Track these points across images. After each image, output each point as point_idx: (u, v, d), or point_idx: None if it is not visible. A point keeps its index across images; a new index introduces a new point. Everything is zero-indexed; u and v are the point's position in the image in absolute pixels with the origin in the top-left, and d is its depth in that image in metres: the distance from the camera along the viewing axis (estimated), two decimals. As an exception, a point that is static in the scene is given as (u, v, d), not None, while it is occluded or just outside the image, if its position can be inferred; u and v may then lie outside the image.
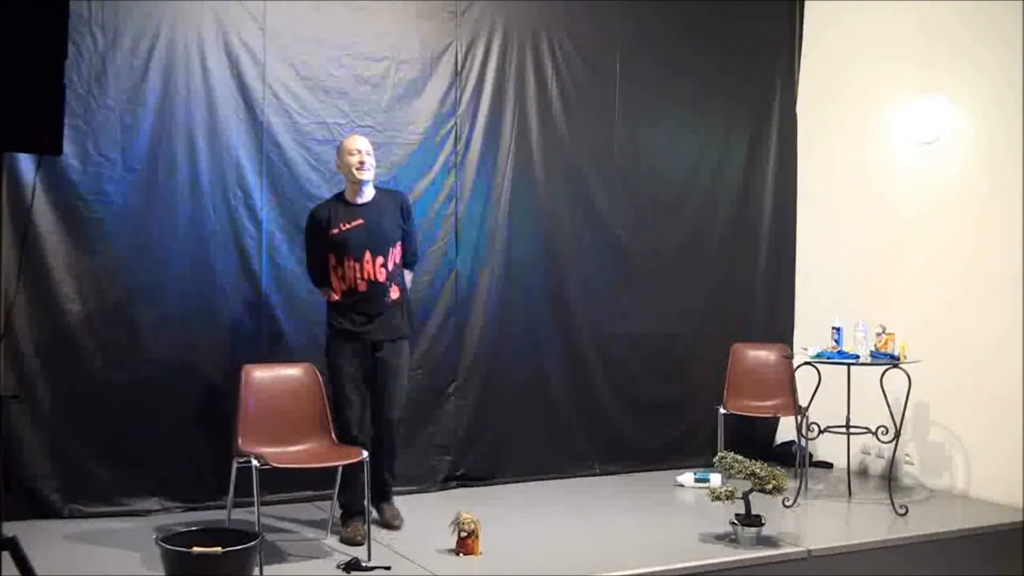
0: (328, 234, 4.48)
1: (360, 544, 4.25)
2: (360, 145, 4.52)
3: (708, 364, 6.09)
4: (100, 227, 4.68)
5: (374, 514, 4.49)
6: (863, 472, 6.03)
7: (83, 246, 4.65)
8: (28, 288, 4.51)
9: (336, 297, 4.52)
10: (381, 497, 4.64)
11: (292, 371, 4.56)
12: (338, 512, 4.52)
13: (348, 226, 4.47)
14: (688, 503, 5.39)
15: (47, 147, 2.92)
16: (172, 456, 4.80)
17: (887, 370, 5.16)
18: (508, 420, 5.66)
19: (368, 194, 4.56)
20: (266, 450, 4.13)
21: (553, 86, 5.83)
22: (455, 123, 5.52)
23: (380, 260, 4.50)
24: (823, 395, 5.25)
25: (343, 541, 4.36)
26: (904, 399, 5.18)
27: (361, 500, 4.29)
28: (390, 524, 4.59)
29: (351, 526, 4.41)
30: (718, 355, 6.01)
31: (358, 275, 4.48)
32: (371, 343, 4.51)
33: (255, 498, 4.01)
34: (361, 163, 4.48)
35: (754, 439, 6.20)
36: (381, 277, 4.51)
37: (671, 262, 6.24)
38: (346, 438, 4.42)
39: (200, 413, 4.83)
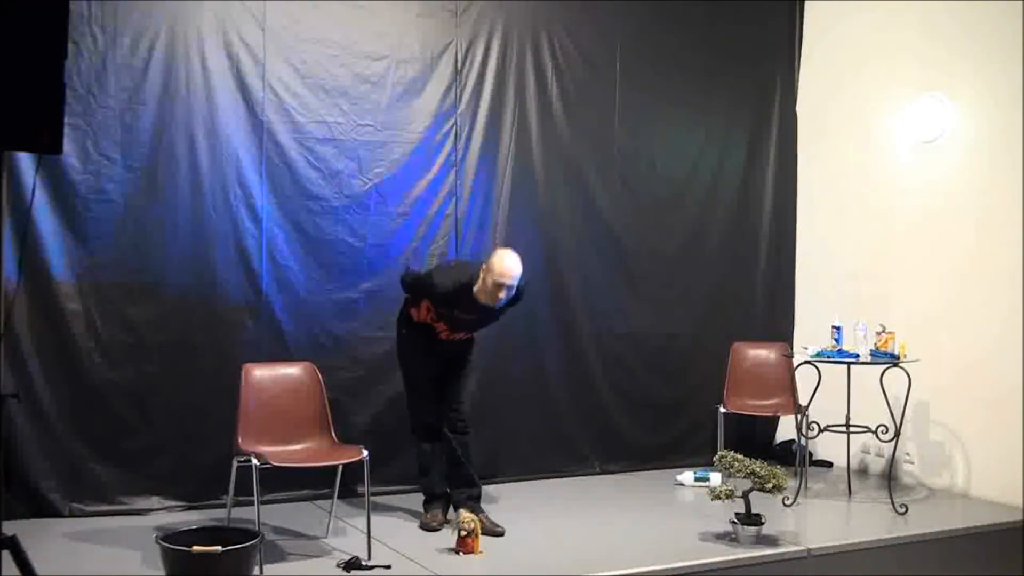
0: (438, 305, 4.43)
1: (435, 530, 4.50)
2: (515, 272, 4.29)
3: (708, 363, 6.09)
4: (100, 226, 4.68)
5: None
6: (863, 471, 6.03)
7: (83, 245, 4.65)
8: (28, 288, 4.51)
9: (416, 318, 4.56)
10: (474, 501, 4.64)
11: (292, 370, 4.56)
12: (341, 510, 4.57)
13: (458, 314, 4.46)
14: (688, 502, 5.39)
15: (47, 146, 2.92)
16: (172, 455, 4.81)
17: (887, 369, 5.16)
18: (508, 419, 5.66)
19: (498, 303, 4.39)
20: (266, 449, 4.14)
21: (553, 86, 5.83)
22: (455, 122, 5.52)
23: (472, 336, 4.70)
24: (823, 394, 5.25)
25: (421, 526, 4.58)
26: (904, 398, 5.18)
27: (440, 484, 4.64)
28: (493, 531, 4.46)
29: (430, 512, 4.62)
30: (718, 354, 6.01)
31: (444, 334, 4.56)
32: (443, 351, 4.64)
33: (255, 497, 4.01)
34: (500, 296, 4.30)
35: (754, 438, 6.20)
36: (459, 343, 4.66)
37: (671, 261, 6.24)
38: (428, 432, 4.62)
39: (200, 412, 4.83)
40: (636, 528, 4.72)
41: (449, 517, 4.60)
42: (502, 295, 4.30)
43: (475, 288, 4.33)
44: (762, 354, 6.08)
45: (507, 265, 4.30)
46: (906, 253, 5.88)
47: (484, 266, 4.33)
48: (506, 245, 5.61)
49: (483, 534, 4.30)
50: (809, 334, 6.05)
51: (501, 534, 4.48)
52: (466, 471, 4.65)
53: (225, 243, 4.95)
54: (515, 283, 4.32)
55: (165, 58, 4.79)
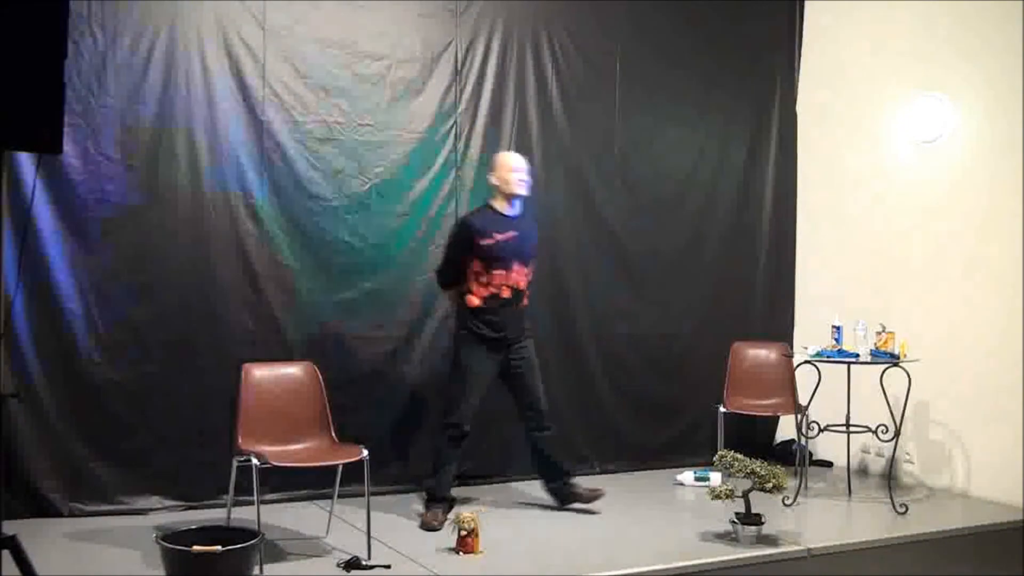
0: (480, 243, 4.66)
1: (436, 530, 4.52)
2: (523, 163, 4.84)
3: (708, 363, 6.09)
4: (100, 226, 4.68)
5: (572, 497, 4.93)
6: (863, 471, 6.03)
7: (83, 246, 4.65)
8: (28, 287, 4.51)
9: (477, 302, 4.73)
10: (567, 477, 4.98)
11: (292, 370, 4.57)
12: (341, 510, 4.55)
13: (502, 237, 4.70)
14: (688, 502, 5.39)
15: (47, 146, 2.92)
16: (172, 455, 4.81)
17: (887, 369, 5.16)
18: (509, 419, 5.64)
19: (518, 207, 4.81)
20: (266, 449, 4.14)
21: (553, 85, 5.84)
22: (455, 122, 5.52)
23: (524, 269, 4.83)
24: (823, 394, 5.26)
25: (421, 526, 4.60)
26: (904, 398, 5.18)
27: (447, 488, 4.72)
28: (593, 497, 4.88)
29: (431, 511, 4.65)
30: (718, 354, 6.01)
31: (504, 283, 4.73)
32: (506, 344, 4.78)
33: (255, 497, 4.01)
34: (522, 180, 4.78)
35: (754, 438, 6.20)
36: (523, 285, 4.83)
37: (671, 261, 6.24)
38: (456, 432, 4.72)
39: (200, 412, 4.83)
40: (636, 528, 4.72)
41: (450, 516, 4.61)
42: (522, 191, 4.76)
43: (493, 203, 4.79)
44: (762, 354, 6.08)
45: (510, 157, 4.86)
46: (906, 253, 5.88)
47: (493, 177, 4.82)
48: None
49: (585, 502, 4.81)
50: (809, 334, 6.05)
51: (601, 495, 4.87)
52: (555, 462, 4.95)
53: (225, 243, 4.95)
54: (525, 170, 4.79)
55: (165, 58, 4.79)
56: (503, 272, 4.72)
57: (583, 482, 5.66)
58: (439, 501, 4.71)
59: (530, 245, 4.89)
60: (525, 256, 4.83)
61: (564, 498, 4.96)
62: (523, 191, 4.79)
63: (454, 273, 4.81)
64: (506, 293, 4.74)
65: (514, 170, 4.77)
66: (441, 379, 5.47)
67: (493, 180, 4.84)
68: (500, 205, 4.79)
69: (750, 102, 6.52)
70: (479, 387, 4.77)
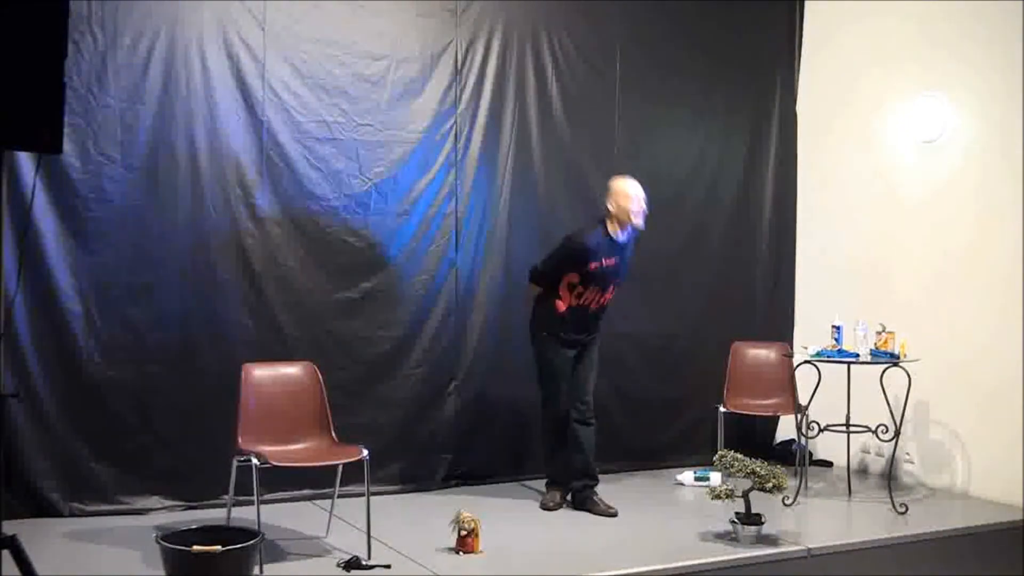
0: (587, 263, 4.81)
1: (551, 510, 4.92)
2: (641, 193, 4.89)
3: (708, 363, 6.09)
4: (100, 226, 4.68)
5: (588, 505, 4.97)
6: (863, 471, 6.03)
7: (83, 245, 4.65)
8: (28, 287, 4.51)
9: (562, 308, 4.92)
10: (592, 482, 5.02)
11: (292, 370, 4.56)
12: (341, 510, 4.54)
13: (606, 263, 4.86)
14: (688, 502, 5.39)
15: (47, 146, 2.93)
16: (172, 455, 4.81)
17: (887, 369, 5.16)
18: (508, 419, 5.66)
19: (628, 234, 4.93)
20: (266, 448, 4.13)
21: (553, 85, 5.83)
22: (455, 122, 5.52)
23: (615, 290, 5.01)
24: (823, 394, 5.25)
25: (541, 507, 5.00)
26: (904, 398, 5.18)
27: (563, 472, 4.99)
28: (607, 514, 4.88)
29: (549, 494, 5.05)
30: (718, 354, 6.00)
31: (594, 300, 4.93)
32: (580, 343, 5.00)
33: (255, 497, 4.01)
34: (639, 211, 4.85)
35: (754, 438, 6.20)
36: (608, 302, 5.01)
37: (671, 261, 6.24)
38: (558, 421, 4.98)
39: (200, 412, 4.82)
40: (636, 528, 4.72)
41: (450, 519, 4.61)
42: (637, 220, 4.84)
43: (608, 225, 4.87)
44: (762, 354, 6.08)
45: (629, 184, 4.89)
46: (906, 253, 5.88)
47: (609, 203, 4.86)
48: (506, 244, 5.66)
49: (598, 514, 4.82)
50: (809, 333, 6.05)
51: (615, 515, 4.84)
52: (586, 461, 4.98)
53: (225, 242, 4.95)
54: (642, 198, 4.85)
55: (165, 58, 4.79)
56: (598, 290, 4.90)
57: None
58: (558, 484, 5.02)
59: (626, 270, 5.05)
60: (620, 280, 5.02)
61: (581, 502, 4.97)
62: (639, 223, 4.87)
63: (552, 281, 4.92)
64: (594, 307, 4.94)
65: (632, 199, 4.83)
66: (441, 379, 5.48)
67: (609, 206, 4.89)
68: (613, 229, 4.88)
69: (750, 102, 6.52)
70: (566, 375, 4.98)
